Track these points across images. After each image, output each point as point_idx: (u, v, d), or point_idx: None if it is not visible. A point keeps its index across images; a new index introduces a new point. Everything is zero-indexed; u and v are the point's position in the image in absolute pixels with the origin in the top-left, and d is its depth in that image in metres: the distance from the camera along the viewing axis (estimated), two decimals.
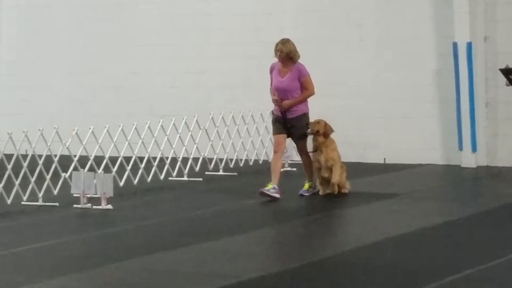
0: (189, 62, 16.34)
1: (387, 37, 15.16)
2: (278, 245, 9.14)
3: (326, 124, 11.66)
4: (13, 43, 17.65)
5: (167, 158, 13.46)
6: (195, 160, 13.87)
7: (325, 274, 7.71)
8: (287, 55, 11.38)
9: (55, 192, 11.62)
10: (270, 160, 15.30)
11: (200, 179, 13.38)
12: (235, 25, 16.05)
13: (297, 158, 15.33)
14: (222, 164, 14.11)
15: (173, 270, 7.99)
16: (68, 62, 17.19)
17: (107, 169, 11.81)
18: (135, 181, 12.68)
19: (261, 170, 14.20)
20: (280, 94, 11.41)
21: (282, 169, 11.97)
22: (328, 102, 15.46)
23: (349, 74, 15.39)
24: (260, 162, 15.06)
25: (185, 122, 13.81)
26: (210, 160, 14.07)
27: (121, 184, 12.39)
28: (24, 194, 11.35)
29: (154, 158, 13.20)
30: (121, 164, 12.46)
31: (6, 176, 11.14)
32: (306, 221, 10.28)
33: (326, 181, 11.55)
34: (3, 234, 9.61)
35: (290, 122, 11.48)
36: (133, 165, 12.72)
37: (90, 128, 12.07)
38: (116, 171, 12.24)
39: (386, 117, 15.24)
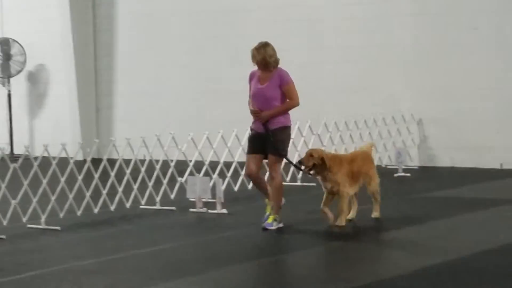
0: (304, 67, 16.39)
1: (504, 39, 14.86)
2: (394, 249, 9.05)
3: (321, 156, 10.00)
4: (131, 51, 18.07)
5: None
6: None
7: (443, 278, 7.63)
8: (262, 60, 9.97)
9: (172, 196, 11.86)
10: (383, 166, 15.24)
11: (314, 184, 13.39)
12: (348, 29, 16.03)
13: (410, 163, 15.26)
14: None
15: (288, 273, 8.05)
16: (182, 68, 17.49)
17: (221, 174, 11.98)
18: (249, 186, 12.80)
19: None
20: (258, 103, 9.93)
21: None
22: (443, 106, 15.29)
23: (464, 77, 15.16)
24: None
25: (298, 128, 13.87)
26: None
27: (236, 189, 12.53)
28: (142, 198, 11.62)
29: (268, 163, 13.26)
30: (235, 169, 12.60)
31: (125, 180, 11.43)
32: (421, 227, 10.16)
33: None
34: (122, 237, 9.87)
35: (272, 137, 9.88)
36: None
37: (205, 134, 12.26)
38: (231, 176, 12.39)
39: (503, 120, 14.94)
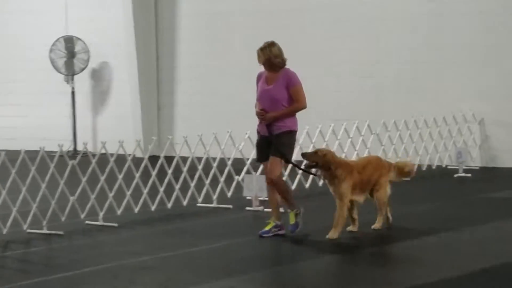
0: (361, 66, 16.30)
1: None
2: (453, 250, 8.93)
3: (325, 154, 9.49)
4: (192, 50, 18.19)
5: None
6: None
7: (502, 281, 7.53)
8: (267, 61, 9.62)
9: (229, 194, 11.90)
10: (443, 166, 15.10)
11: None
12: (410, 29, 15.88)
13: (472, 163, 15.06)
14: None
15: (343, 273, 8.03)
16: (243, 67, 17.53)
17: None
18: (307, 185, 12.79)
19: (430, 175, 14.00)
20: (265, 104, 9.51)
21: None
22: (505, 105, 15.08)
23: None
24: (434, 167, 14.84)
25: (357, 127, 13.80)
26: None
27: (293, 187, 12.51)
28: (199, 196, 11.69)
29: None
30: (292, 168, 12.56)
31: (182, 178, 11.50)
32: (480, 228, 10.02)
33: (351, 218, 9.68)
34: (178, 235, 9.93)
35: (275, 140, 9.44)
36: None
37: None
38: (288, 175, 12.38)
39: None
